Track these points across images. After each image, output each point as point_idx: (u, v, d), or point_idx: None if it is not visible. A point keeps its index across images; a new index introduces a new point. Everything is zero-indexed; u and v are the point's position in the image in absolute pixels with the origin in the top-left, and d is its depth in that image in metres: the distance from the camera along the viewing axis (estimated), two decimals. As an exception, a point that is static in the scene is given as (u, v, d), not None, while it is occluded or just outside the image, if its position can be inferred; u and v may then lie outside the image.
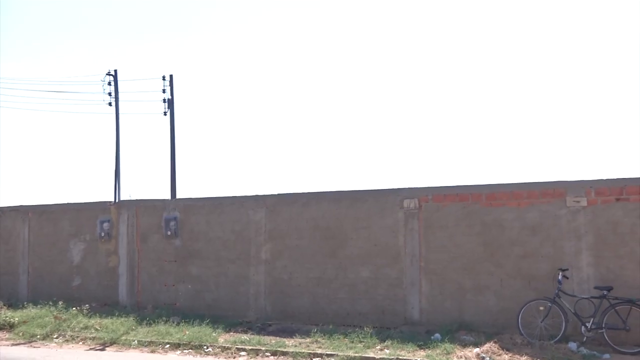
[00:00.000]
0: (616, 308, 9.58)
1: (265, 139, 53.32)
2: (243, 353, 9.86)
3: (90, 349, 10.69)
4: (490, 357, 9.04)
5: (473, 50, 56.68)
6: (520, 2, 54.47)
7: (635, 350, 9.19)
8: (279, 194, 12.72)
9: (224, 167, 47.07)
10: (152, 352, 10.27)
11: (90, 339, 11.19)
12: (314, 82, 60.64)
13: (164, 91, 26.07)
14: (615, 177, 10.13)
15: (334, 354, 9.40)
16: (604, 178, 10.18)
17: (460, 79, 55.73)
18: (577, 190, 10.24)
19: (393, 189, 11.67)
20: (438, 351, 9.33)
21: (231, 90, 59.68)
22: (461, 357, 9.16)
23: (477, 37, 58.07)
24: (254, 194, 12.96)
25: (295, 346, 9.98)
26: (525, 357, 9.01)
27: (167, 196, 23.92)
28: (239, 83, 61.58)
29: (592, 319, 9.70)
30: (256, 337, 10.59)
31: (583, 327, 9.75)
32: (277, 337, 10.66)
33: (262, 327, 11.55)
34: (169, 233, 13.55)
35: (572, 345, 9.52)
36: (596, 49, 53.30)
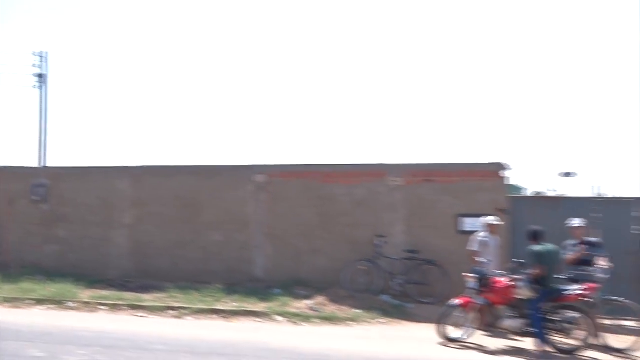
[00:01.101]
0: (420, 267, 11.61)
1: (135, 114, 53.65)
2: (103, 307, 10.71)
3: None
4: (318, 307, 10.66)
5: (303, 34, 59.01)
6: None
7: (432, 301, 11.09)
8: (144, 166, 13.72)
9: (96, 140, 47.17)
10: (16, 307, 10.73)
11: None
12: (175, 60, 60.68)
13: (36, 66, 27.11)
14: (425, 162, 12.14)
15: (187, 307, 10.58)
16: (417, 163, 12.16)
17: (308, 64, 58.25)
18: (396, 171, 12.15)
19: (246, 165, 13.08)
20: (277, 303, 10.83)
21: (107, 66, 58.42)
22: (295, 308, 10.67)
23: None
24: (121, 165, 13.86)
25: (153, 301, 11.01)
26: (347, 307, 10.71)
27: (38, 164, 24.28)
28: (115, 60, 60.19)
29: (402, 276, 11.67)
30: (116, 293, 11.49)
31: (395, 282, 11.69)
32: (137, 293, 11.59)
33: (122, 284, 12.39)
34: (37, 198, 14.09)
35: (386, 297, 11.43)
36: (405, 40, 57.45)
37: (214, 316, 10.29)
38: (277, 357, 7.31)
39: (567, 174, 21.88)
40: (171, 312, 10.47)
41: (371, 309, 10.62)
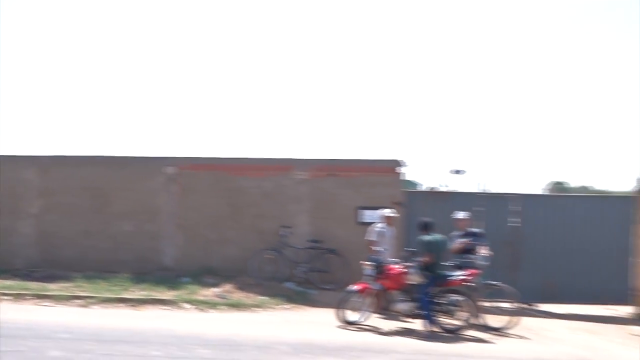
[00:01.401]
0: (322, 256, 11.90)
1: (45, 104, 51.30)
2: (7, 297, 10.21)
3: None
4: (226, 295, 10.71)
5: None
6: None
7: (333, 287, 11.38)
8: (51, 156, 13.14)
9: (2, 129, 44.62)
10: None
11: None
12: (84, 48, 58.49)
13: None
14: (328, 158, 12.44)
15: (94, 296, 10.29)
16: (321, 158, 12.45)
17: (217, 58, 57.89)
18: (301, 166, 12.37)
19: (157, 157, 12.86)
20: (185, 291, 10.77)
21: (11, 54, 55.26)
22: (203, 295, 10.65)
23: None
24: (28, 154, 13.21)
25: (58, 290, 10.61)
26: (253, 294, 10.84)
27: None
28: (22, 47, 56.88)
29: (305, 265, 11.93)
30: (21, 283, 11.04)
31: (299, 270, 11.92)
32: (42, 283, 11.16)
33: (28, 274, 11.92)
34: None
35: (290, 285, 11.66)
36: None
37: (121, 305, 10.09)
38: (183, 343, 7.31)
39: (457, 172, 23.07)
40: (77, 301, 10.13)
41: (276, 295, 10.78)
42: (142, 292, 10.72)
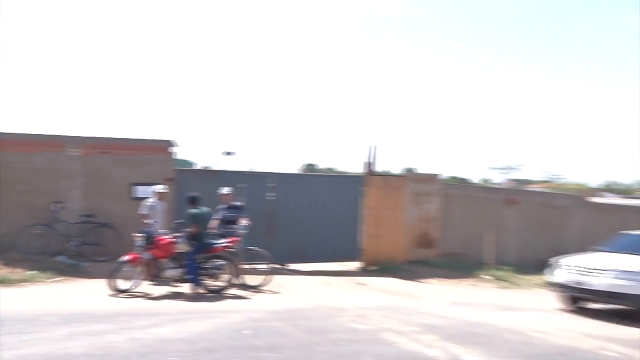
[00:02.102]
0: (96, 230, 11.38)
1: None
2: None
3: None
4: (-10, 272, 9.63)
5: None
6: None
7: (107, 259, 10.87)
8: None
9: None
10: None
11: None
12: None
13: None
14: (102, 136, 11.86)
15: None
16: (95, 136, 11.81)
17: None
18: (74, 143, 11.59)
19: None
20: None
21: None
22: None
23: None
24: None
25: None
26: (21, 269, 9.93)
27: None
28: None
29: (78, 238, 11.27)
30: None
31: (71, 244, 11.22)
32: None
33: None
34: None
35: (62, 258, 10.92)
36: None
37: None
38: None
39: (228, 153, 23.68)
40: None
41: (47, 269, 10.04)
42: None
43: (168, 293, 9.04)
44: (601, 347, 6.95)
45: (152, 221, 9.96)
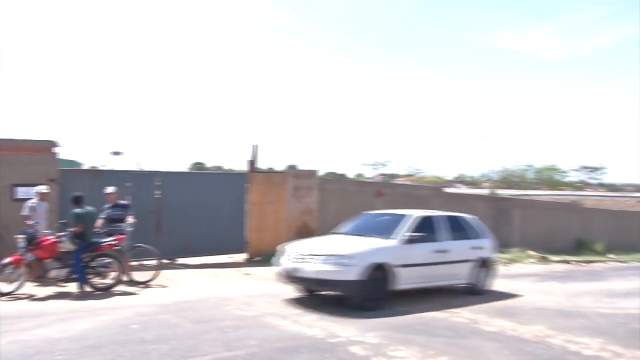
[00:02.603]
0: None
1: None
2: None
3: None
4: None
5: None
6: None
7: None
8: None
9: None
10: None
11: None
12: None
13: None
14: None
15: None
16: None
17: None
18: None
19: None
20: None
21: None
22: None
23: None
24: None
25: None
26: None
27: None
28: None
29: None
30: None
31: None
32: None
33: None
34: None
35: None
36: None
37: None
38: None
39: (116, 153, 22.51)
40: None
41: None
42: None
43: (54, 293, 8.51)
44: (453, 314, 7.69)
45: (34, 222, 9.30)
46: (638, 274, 14.88)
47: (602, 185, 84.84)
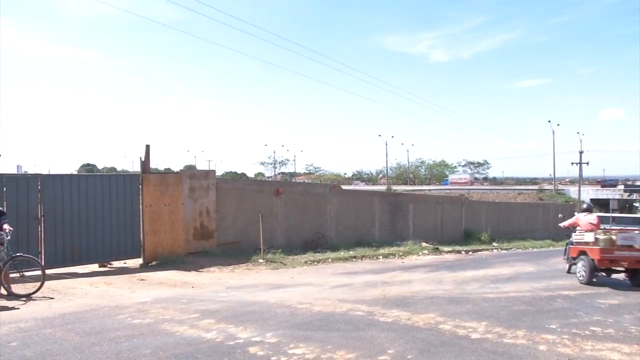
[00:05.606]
0: None
1: None
2: None
3: None
4: None
5: None
6: None
7: None
8: None
9: None
10: None
11: None
12: None
13: None
14: None
15: None
16: None
17: None
18: None
19: None
20: None
21: None
22: None
23: None
24: None
25: None
26: None
27: None
28: None
29: None
30: None
31: None
32: None
33: None
34: None
35: None
36: None
37: None
38: None
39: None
40: None
41: None
42: None
43: None
44: (352, 308, 7.90)
45: None
46: (519, 260, 16.30)
47: (486, 179, 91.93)
